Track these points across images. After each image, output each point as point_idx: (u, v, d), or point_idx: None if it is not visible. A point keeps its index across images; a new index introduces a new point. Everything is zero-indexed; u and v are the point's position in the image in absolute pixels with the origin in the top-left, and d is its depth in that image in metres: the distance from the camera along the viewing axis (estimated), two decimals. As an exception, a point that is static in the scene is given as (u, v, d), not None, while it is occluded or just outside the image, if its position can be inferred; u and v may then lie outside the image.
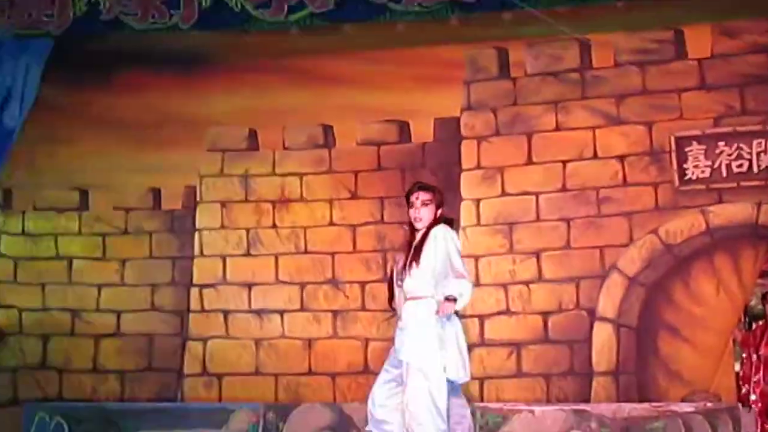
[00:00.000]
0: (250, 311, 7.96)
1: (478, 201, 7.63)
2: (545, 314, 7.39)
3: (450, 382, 4.50)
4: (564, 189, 7.46)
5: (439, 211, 4.62)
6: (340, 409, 7.09)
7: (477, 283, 7.32)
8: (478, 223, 7.60)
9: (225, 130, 8.22)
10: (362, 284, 7.89)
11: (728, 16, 7.13)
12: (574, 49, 7.55)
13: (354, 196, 7.96)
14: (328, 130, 8.11)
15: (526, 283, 7.46)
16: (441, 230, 4.54)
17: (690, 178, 7.20)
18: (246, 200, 8.08)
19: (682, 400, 6.93)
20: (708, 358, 7.19)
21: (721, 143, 7.17)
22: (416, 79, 7.72)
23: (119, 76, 8.18)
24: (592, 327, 7.29)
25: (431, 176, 7.71)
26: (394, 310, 4.71)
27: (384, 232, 7.85)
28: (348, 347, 7.86)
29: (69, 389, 8.09)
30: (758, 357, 7.29)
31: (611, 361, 7.23)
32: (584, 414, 6.42)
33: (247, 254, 8.05)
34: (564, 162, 7.50)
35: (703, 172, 7.21)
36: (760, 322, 7.61)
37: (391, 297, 4.72)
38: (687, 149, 7.22)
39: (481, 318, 7.42)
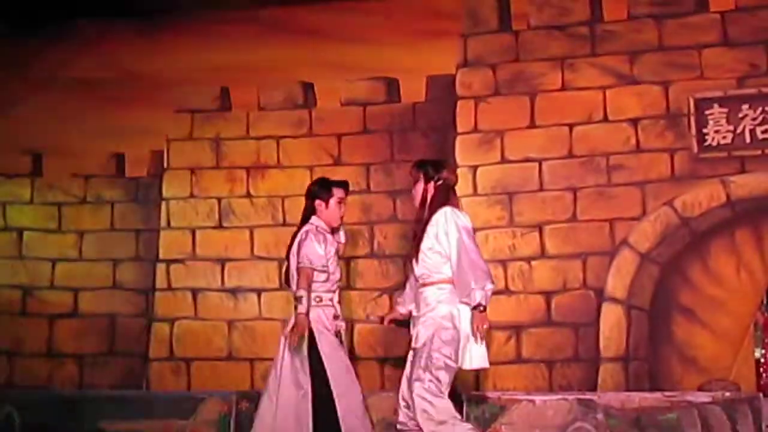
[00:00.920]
0: (223, 290, 7.93)
1: (474, 168, 7.56)
2: (548, 294, 7.31)
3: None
4: (570, 155, 7.38)
5: (431, 185, 4.72)
6: (322, 397, 6.95)
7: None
8: (475, 193, 7.53)
9: (194, 88, 8.14)
10: (347, 260, 7.71)
11: (755, -37, 7.15)
12: None
13: (337, 162, 7.88)
14: (308, 88, 8.04)
15: (528, 259, 7.39)
16: (442, 216, 4.69)
17: (710, 145, 7.13)
18: (217, 166, 8.02)
19: (698, 390, 6.88)
20: (726, 343, 7.13)
21: (745, 106, 7.08)
22: (407, 32, 7.68)
23: (74, 28, 8.15)
24: (599, 309, 7.22)
25: (422, 140, 7.76)
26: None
27: (370, 203, 7.77)
28: (332, 329, 7.80)
29: (21, 375, 8.07)
30: (782, 343, 7.36)
31: (620, 347, 7.18)
32: (590, 404, 6.33)
33: (219, 226, 8.00)
34: (570, 125, 7.41)
35: (724, 137, 7.11)
36: (785, 305, 7.71)
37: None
38: (707, 112, 7.14)
39: (478, 298, 7.40)
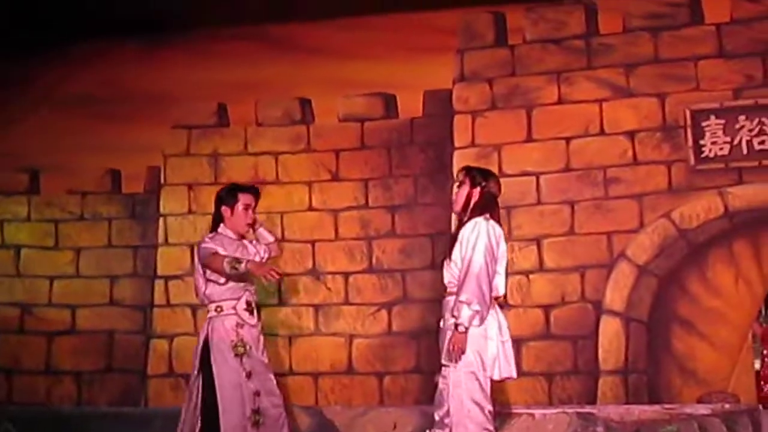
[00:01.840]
0: None
1: None
2: (547, 307, 7.36)
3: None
4: (567, 169, 7.42)
5: (476, 191, 4.60)
6: (320, 413, 7.01)
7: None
8: None
9: (191, 104, 8.22)
10: (345, 275, 7.83)
11: (749, -24, 7.16)
12: (579, 13, 7.53)
13: (335, 178, 7.93)
14: (306, 104, 8.10)
15: (526, 273, 7.42)
16: (473, 225, 4.54)
17: (707, 156, 7.15)
18: (215, 182, 7.98)
19: (698, 402, 6.90)
20: (726, 355, 7.17)
21: (742, 117, 7.11)
22: (404, 47, 7.71)
23: (72, 46, 8.15)
24: (598, 321, 7.26)
25: (420, 155, 7.80)
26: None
27: (368, 218, 7.82)
28: (331, 344, 7.84)
29: (19, 392, 8.09)
30: (780, 354, 7.35)
31: (619, 359, 7.21)
32: (590, 417, 6.30)
33: (217, 243, 8.02)
34: (567, 139, 7.46)
35: (721, 149, 7.14)
36: (783, 316, 7.69)
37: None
38: (704, 124, 7.17)
39: (476, 312, 7.40)
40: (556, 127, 7.46)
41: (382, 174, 7.81)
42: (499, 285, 4.63)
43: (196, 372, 5.05)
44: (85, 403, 7.90)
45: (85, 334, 8.04)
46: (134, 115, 8.03)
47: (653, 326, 7.25)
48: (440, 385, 4.58)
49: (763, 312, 7.82)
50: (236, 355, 5.00)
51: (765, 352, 7.46)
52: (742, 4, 7.17)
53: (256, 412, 4.98)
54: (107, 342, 8.01)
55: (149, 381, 7.91)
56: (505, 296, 4.69)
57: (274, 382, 5.12)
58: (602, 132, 7.38)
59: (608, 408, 6.61)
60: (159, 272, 8.04)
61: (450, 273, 4.60)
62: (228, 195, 5.17)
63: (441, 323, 4.59)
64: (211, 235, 5.13)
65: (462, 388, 4.44)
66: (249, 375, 5.00)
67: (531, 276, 7.39)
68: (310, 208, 7.94)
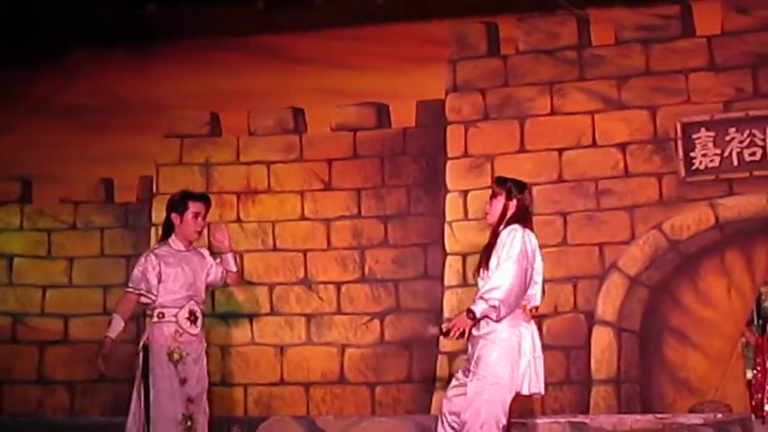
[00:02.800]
0: (214, 315, 7.81)
1: (465, 193, 7.64)
2: (539, 318, 7.10)
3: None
4: (560, 180, 7.49)
5: (512, 203, 4.62)
6: (312, 422, 7.11)
7: (464, 284, 7.35)
8: (466, 218, 7.61)
9: (184, 114, 8.23)
10: (338, 285, 7.90)
11: (740, -11, 7.18)
12: (571, 24, 7.61)
13: (327, 187, 7.96)
14: (298, 113, 8.12)
15: None
16: (510, 232, 4.55)
17: (698, 168, 7.22)
18: (207, 191, 7.72)
19: (690, 411, 6.97)
20: (718, 365, 7.22)
21: (732, 129, 7.19)
22: (396, 57, 7.74)
23: (65, 55, 8.16)
24: (590, 331, 7.33)
25: (413, 164, 7.83)
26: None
27: (361, 227, 7.87)
28: (323, 354, 7.87)
29: (11, 402, 8.05)
30: (772, 363, 7.35)
31: (612, 369, 7.26)
32: (582, 427, 6.47)
33: (209, 252, 8.10)
34: (560, 150, 7.52)
35: (712, 161, 7.22)
36: (775, 325, 7.70)
37: None
38: (694, 136, 7.24)
39: (469, 321, 7.45)
40: (548, 138, 7.50)
41: (375, 184, 7.82)
42: (536, 295, 4.65)
43: (139, 376, 5.15)
44: (77, 413, 7.87)
45: (78, 344, 8.00)
46: (127, 125, 8.01)
47: (645, 336, 7.29)
48: (454, 390, 4.59)
49: (755, 321, 7.87)
50: (171, 361, 5.05)
51: (758, 361, 7.47)
52: (733, 16, 7.24)
53: (189, 418, 5.03)
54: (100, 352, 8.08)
55: (142, 391, 7.99)
56: (537, 308, 4.69)
57: (205, 394, 5.18)
58: (594, 144, 7.43)
59: (601, 418, 6.70)
60: (151, 282, 8.13)
61: (485, 282, 4.56)
62: (178, 202, 5.22)
63: (474, 331, 4.55)
64: (157, 246, 5.22)
65: (483, 399, 4.44)
66: (183, 381, 5.05)
67: (524, 286, 7.50)
68: (303, 218, 7.96)
